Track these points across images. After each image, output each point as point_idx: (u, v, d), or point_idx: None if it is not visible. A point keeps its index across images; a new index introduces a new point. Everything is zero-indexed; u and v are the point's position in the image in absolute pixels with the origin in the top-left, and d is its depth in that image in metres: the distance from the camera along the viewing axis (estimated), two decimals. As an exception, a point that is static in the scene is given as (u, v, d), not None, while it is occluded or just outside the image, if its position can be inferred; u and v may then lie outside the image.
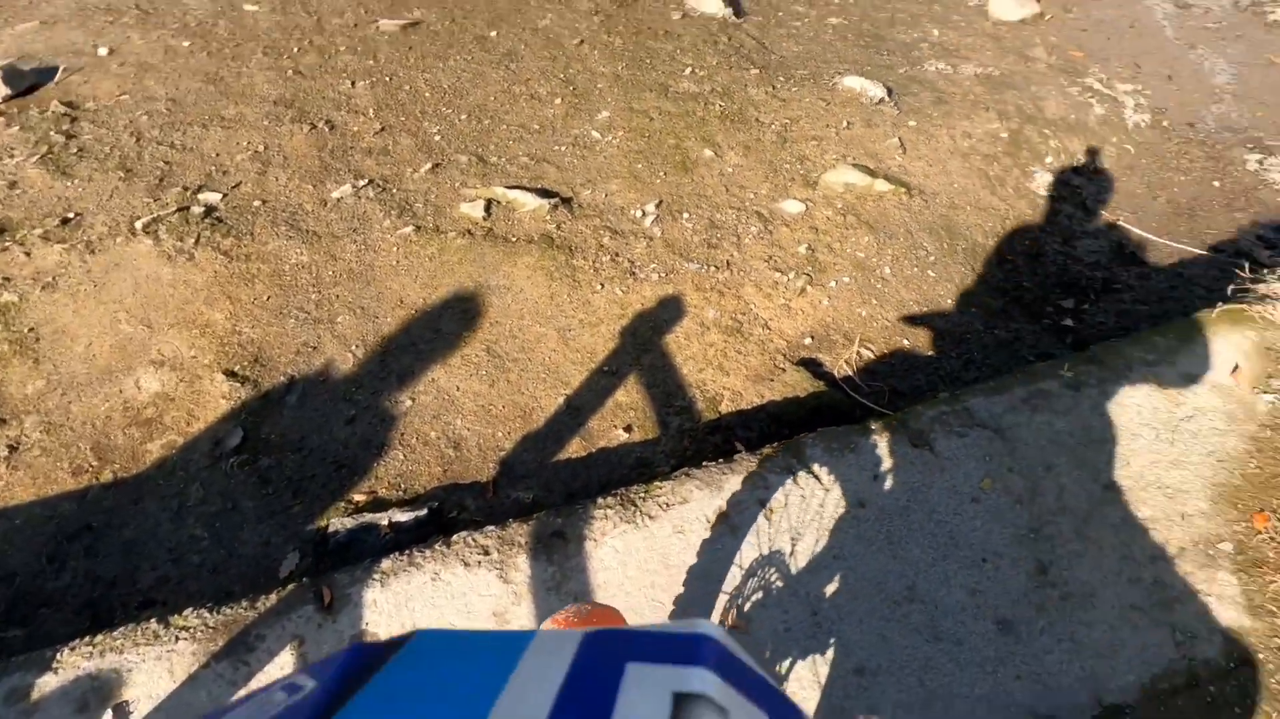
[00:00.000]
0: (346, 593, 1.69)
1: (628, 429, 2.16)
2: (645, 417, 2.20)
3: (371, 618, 1.68)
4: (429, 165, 2.95)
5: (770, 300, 2.59)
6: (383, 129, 3.11)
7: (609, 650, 0.32)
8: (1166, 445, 2.01)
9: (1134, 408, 2.09)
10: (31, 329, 2.32)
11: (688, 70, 3.59)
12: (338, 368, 2.27)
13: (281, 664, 1.60)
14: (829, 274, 2.71)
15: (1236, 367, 2.19)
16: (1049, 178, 3.28)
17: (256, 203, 2.75)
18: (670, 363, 2.36)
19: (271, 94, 3.25)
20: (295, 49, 3.53)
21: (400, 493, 1.99)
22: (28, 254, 2.53)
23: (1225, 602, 1.75)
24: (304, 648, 1.63)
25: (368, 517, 1.90)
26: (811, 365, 2.50)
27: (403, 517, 1.90)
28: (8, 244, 2.55)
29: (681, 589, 1.70)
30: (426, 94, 3.31)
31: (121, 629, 1.59)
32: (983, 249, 2.92)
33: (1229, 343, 2.26)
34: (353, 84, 3.34)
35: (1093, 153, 3.44)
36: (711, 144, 3.18)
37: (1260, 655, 1.67)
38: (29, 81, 3.27)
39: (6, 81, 3.19)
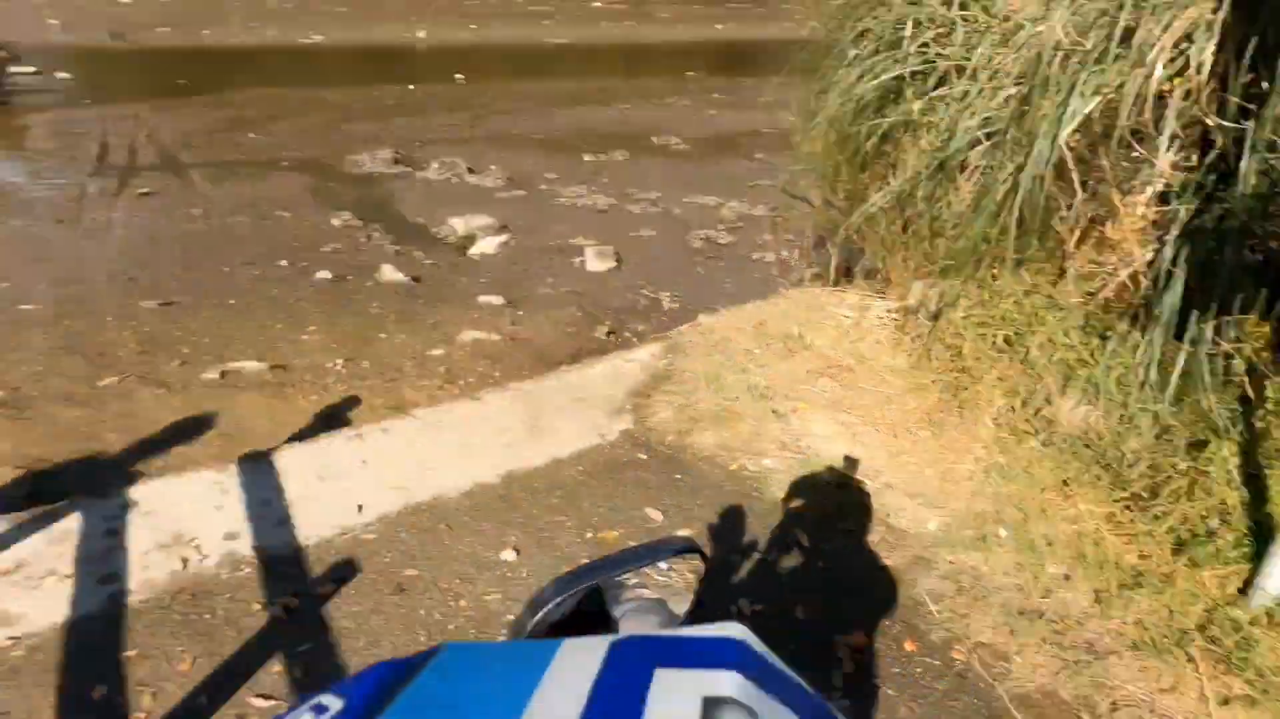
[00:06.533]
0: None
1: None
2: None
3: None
4: (178, 363, 4.32)
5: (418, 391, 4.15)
6: (143, 352, 4.47)
7: (638, 657, 0.33)
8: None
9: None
10: None
11: (374, 305, 5.43)
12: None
13: None
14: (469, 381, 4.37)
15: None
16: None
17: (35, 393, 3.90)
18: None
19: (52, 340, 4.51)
20: (67, 322, 4.85)
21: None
22: None
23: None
24: None
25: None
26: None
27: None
28: None
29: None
30: (178, 334, 4.76)
31: None
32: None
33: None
34: (120, 333, 4.71)
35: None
36: (387, 332, 4.92)
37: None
38: None
39: None
